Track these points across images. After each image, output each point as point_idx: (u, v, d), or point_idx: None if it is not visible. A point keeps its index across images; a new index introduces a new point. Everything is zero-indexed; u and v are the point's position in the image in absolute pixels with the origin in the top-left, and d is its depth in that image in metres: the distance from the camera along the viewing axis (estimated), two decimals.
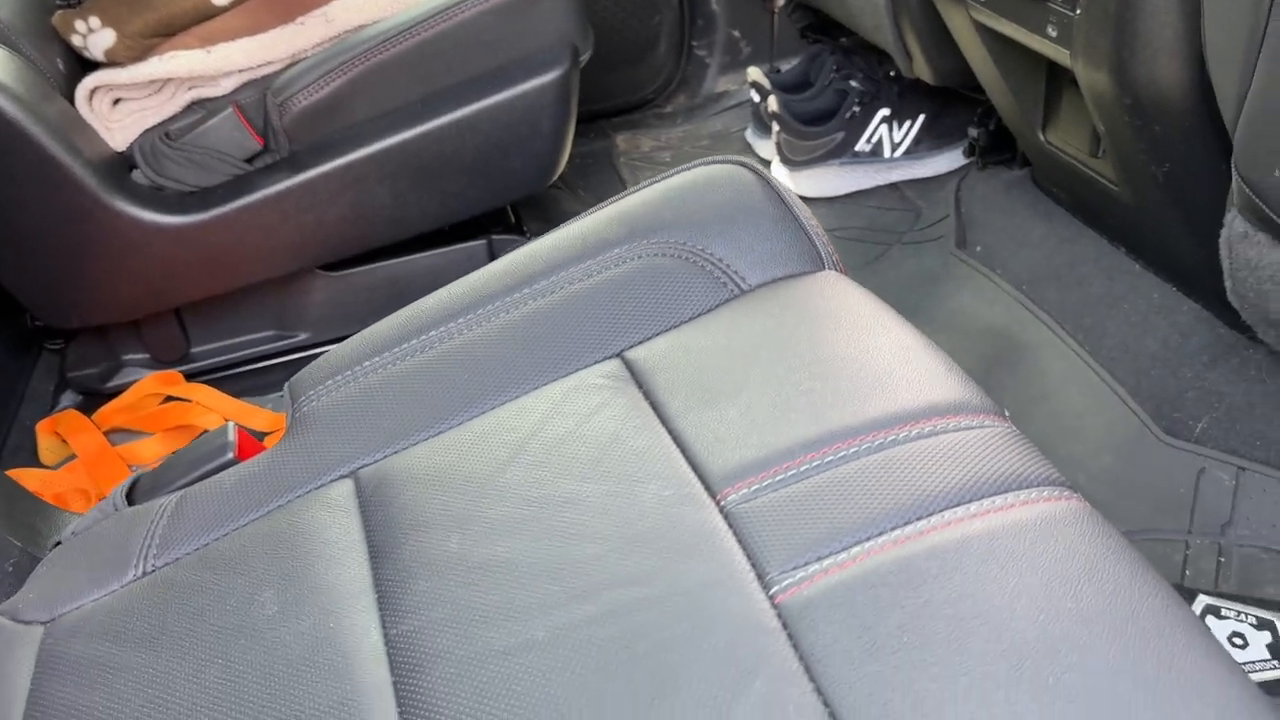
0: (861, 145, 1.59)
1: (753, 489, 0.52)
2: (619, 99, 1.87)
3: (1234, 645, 0.79)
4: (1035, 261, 1.31)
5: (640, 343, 0.64)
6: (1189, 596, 0.84)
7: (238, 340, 1.30)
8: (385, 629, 0.52)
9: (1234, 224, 0.85)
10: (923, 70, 1.36)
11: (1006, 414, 0.58)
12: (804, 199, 1.61)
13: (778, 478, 0.52)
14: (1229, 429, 1.07)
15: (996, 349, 1.24)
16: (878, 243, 1.53)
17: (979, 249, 1.40)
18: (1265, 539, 1.00)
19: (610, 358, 0.64)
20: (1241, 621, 0.80)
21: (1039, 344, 1.22)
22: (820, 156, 1.60)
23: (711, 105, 1.95)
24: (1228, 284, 0.89)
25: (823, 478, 0.52)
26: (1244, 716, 0.39)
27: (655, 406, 0.59)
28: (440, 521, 0.56)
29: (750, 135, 1.77)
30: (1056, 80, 1.17)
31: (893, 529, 0.48)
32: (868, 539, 0.48)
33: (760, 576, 0.48)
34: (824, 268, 0.67)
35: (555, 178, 1.23)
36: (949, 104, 1.56)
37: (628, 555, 0.50)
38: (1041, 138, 1.21)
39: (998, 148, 1.45)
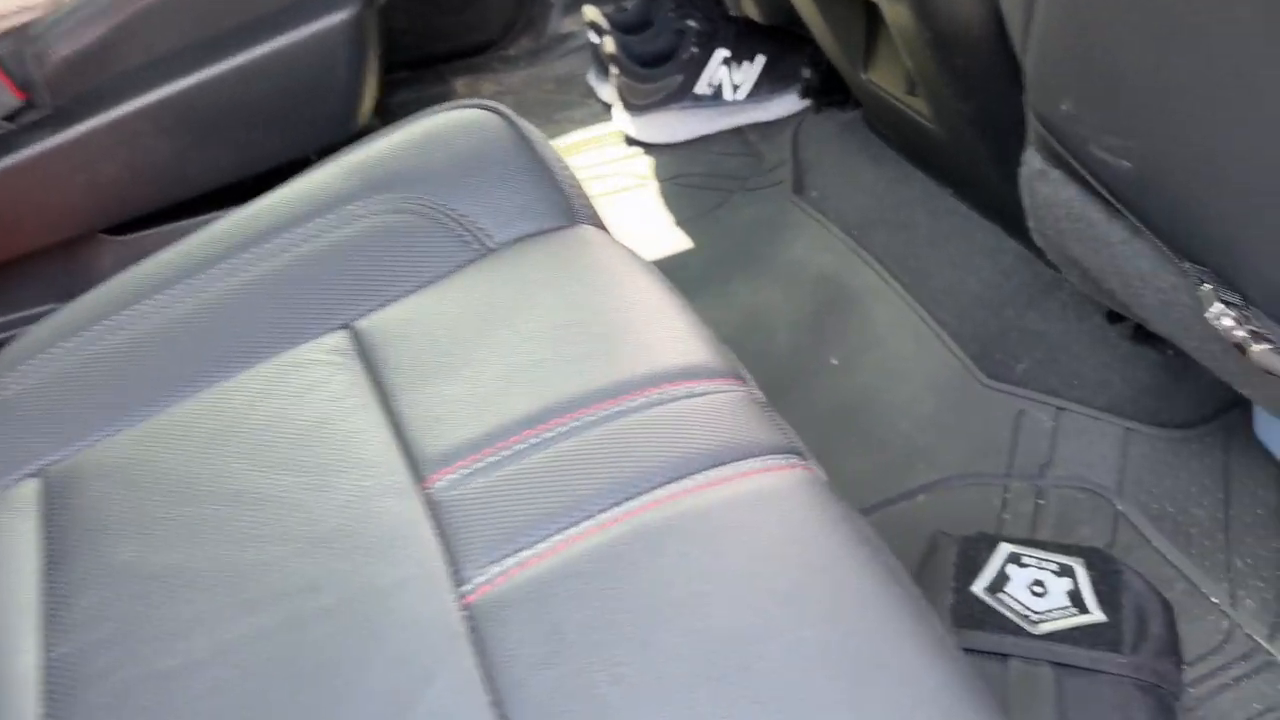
0: (702, 88, 1.54)
1: (462, 474, 0.47)
2: (457, 42, 1.77)
3: (1034, 593, 0.77)
4: (865, 205, 1.28)
5: (371, 311, 0.58)
6: (991, 544, 0.82)
7: (19, 315, 1.19)
8: (47, 650, 0.46)
9: (1031, 161, 0.82)
10: (749, 8, 1.31)
11: (747, 377, 0.54)
12: (647, 145, 1.57)
13: (490, 460, 0.47)
14: (1048, 369, 1.06)
15: (828, 296, 1.21)
16: (719, 189, 1.49)
17: (814, 194, 1.37)
18: (1082, 479, 0.99)
19: (337, 329, 0.58)
20: (1043, 569, 0.79)
21: (867, 290, 1.20)
22: (660, 100, 1.54)
23: (557, 47, 1.87)
24: (1030, 223, 0.87)
25: (538, 458, 0.47)
26: (943, 699, 0.36)
27: (377, 384, 0.53)
28: (123, 525, 0.50)
29: (592, 79, 1.70)
30: (875, 18, 1.13)
31: (600, 511, 0.44)
32: (571, 525, 0.44)
33: (455, 574, 0.43)
34: (577, 222, 0.62)
35: (358, 125, 1.15)
36: (790, 46, 1.51)
37: (310, 558, 0.45)
38: (863, 77, 1.18)
39: (830, 90, 1.42)
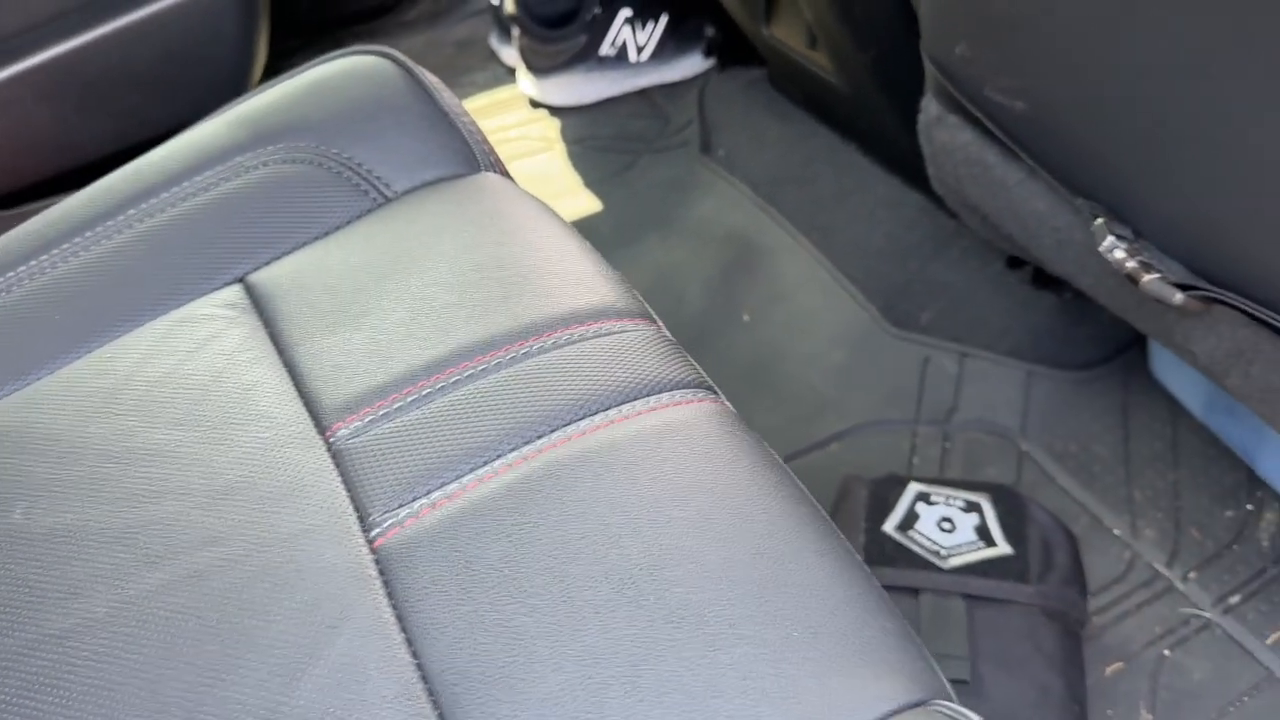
0: (606, 49, 1.53)
1: (366, 420, 0.46)
2: (353, 5, 1.73)
3: (943, 530, 0.79)
4: (771, 163, 1.29)
5: (266, 264, 0.56)
6: (900, 485, 0.84)
7: None
8: None
9: (929, 107, 0.83)
10: None
11: (657, 321, 0.54)
12: (552, 108, 1.55)
13: (396, 406, 0.46)
14: (952, 317, 1.08)
15: (737, 254, 1.22)
16: (627, 152, 1.48)
17: (722, 153, 1.37)
18: (987, 422, 1.02)
19: (230, 284, 0.56)
20: (950, 505, 0.81)
21: (776, 246, 1.21)
22: (565, 62, 1.52)
23: (456, 10, 1.83)
24: (930, 171, 0.88)
25: (445, 401, 0.46)
26: (851, 609, 0.36)
27: (274, 336, 0.52)
28: (10, 489, 0.47)
29: (494, 42, 1.67)
30: None
31: (510, 451, 0.43)
32: (481, 465, 0.43)
33: (362, 519, 0.42)
34: (480, 169, 0.61)
35: (248, 92, 1.11)
36: (693, 4, 1.51)
37: (211, 511, 0.43)
38: (765, 32, 1.18)
39: (734, 48, 1.42)
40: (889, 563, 0.77)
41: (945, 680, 0.36)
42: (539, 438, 0.43)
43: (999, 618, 0.74)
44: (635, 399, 0.46)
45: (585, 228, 1.35)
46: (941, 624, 0.73)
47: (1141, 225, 0.67)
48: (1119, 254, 0.66)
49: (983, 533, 0.79)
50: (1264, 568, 0.89)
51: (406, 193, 0.59)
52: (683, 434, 0.44)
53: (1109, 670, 0.84)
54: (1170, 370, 0.99)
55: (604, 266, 0.55)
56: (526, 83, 1.54)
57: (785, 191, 1.25)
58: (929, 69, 0.80)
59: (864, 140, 1.20)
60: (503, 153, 1.55)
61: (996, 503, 0.81)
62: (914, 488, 0.83)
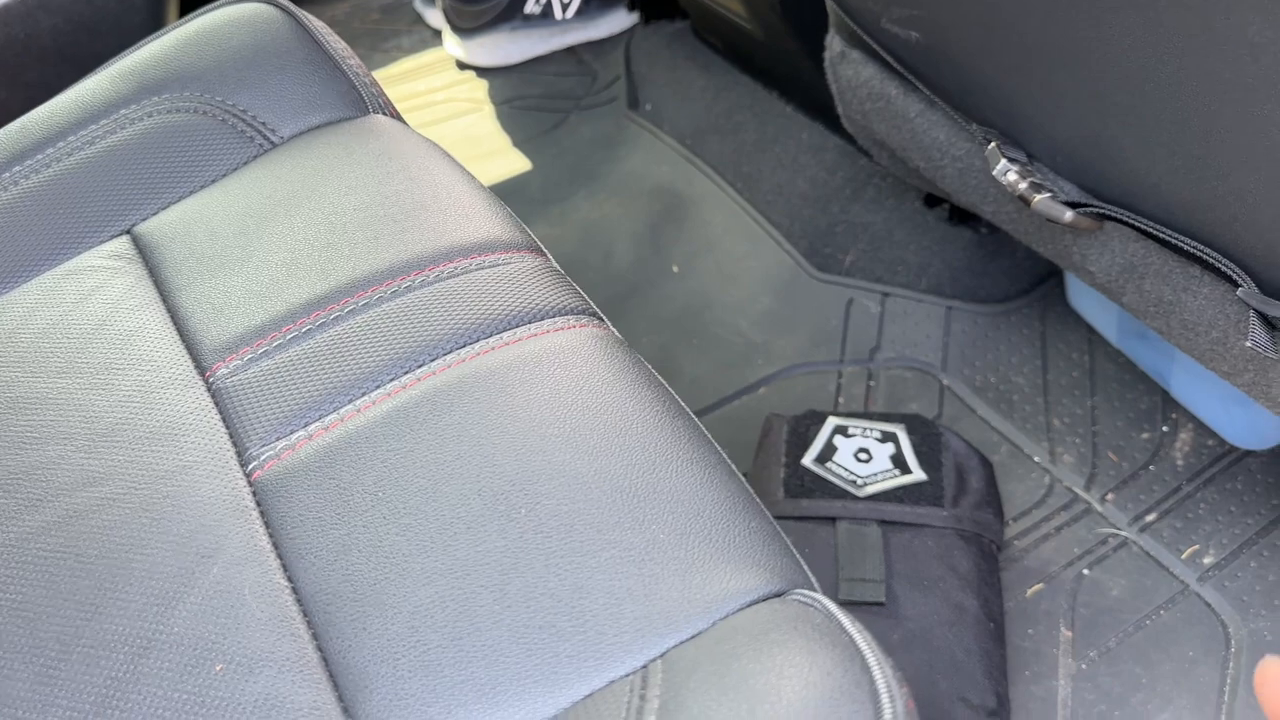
0: (531, 7, 1.52)
1: (246, 359, 0.46)
2: None
3: (860, 460, 0.81)
4: (696, 114, 1.29)
5: (153, 214, 0.56)
6: (819, 420, 0.85)
7: None
8: None
9: (832, 44, 0.84)
10: None
11: (545, 253, 0.54)
12: (480, 70, 1.54)
13: (275, 343, 0.46)
14: (873, 258, 1.10)
15: (664, 206, 1.22)
16: (555, 110, 1.47)
17: (648, 107, 1.37)
18: (909, 359, 1.03)
19: (117, 235, 0.55)
20: (867, 437, 0.82)
21: (702, 196, 1.21)
22: (490, 22, 1.51)
23: None
24: (839, 109, 0.89)
25: (325, 336, 0.46)
26: (720, 513, 0.37)
27: (158, 284, 0.52)
28: None
29: (418, 4, 1.65)
30: None
31: (390, 380, 0.43)
32: (360, 395, 0.43)
33: (240, 454, 0.42)
34: (368, 112, 0.61)
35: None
36: None
37: (93, 453, 0.43)
38: None
39: (657, 1, 1.42)
40: (807, 494, 0.78)
41: (810, 575, 0.37)
42: (419, 366, 0.44)
43: (914, 541, 0.75)
44: (517, 325, 0.46)
45: (515, 187, 1.35)
46: (858, 550, 0.74)
47: (1033, 148, 0.68)
48: (1011, 176, 0.67)
49: (898, 461, 0.80)
50: (1178, 486, 0.91)
51: (293, 137, 0.59)
52: (563, 357, 0.44)
53: (1030, 591, 0.86)
54: (1085, 299, 1.01)
55: (492, 201, 0.55)
56: (452, 44, 1.53)
57: (710, 142, 1.25)
58: (830, 4, 0.80)
59: (784, 87, 1.21)
60: (430, 115, 1.55)
61: (912, 432, 0.82)
62: (832, 421, 0.84)
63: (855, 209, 1.12)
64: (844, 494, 0.78)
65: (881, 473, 0.79)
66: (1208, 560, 0.86)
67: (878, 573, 0.73)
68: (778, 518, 0.79)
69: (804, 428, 0.83)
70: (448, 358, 0.44)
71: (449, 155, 0.59)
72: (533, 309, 0.47)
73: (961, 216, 1.06)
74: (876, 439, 0.82)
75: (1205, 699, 0.78)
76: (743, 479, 0.40)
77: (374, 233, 0.51)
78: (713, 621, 0.33)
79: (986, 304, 1.05)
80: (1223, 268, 0.56)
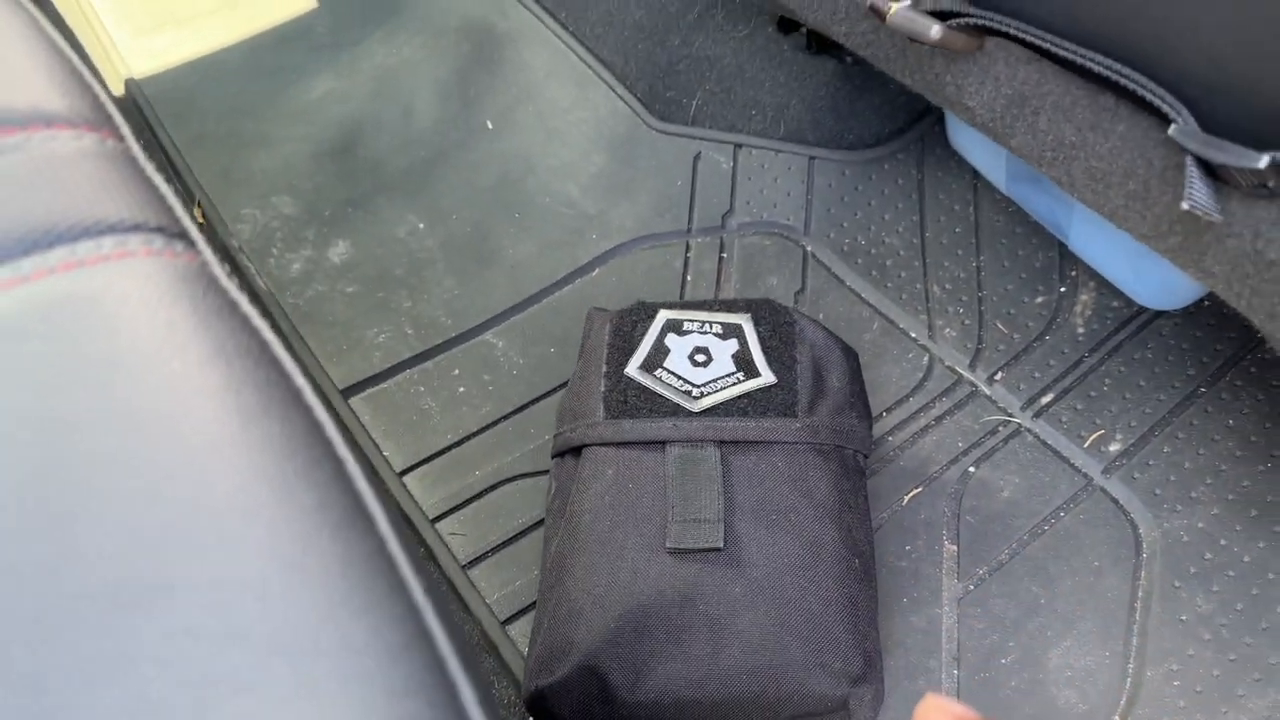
0: None
1: None
2: None
3: (696, 363, 0.64)
4: None
5: None
6: (649, 314, 0.68)
7: None
8: None
9: None
10: None
11: (122, 133, 0.34)
12: None
13: None
14: (723, 102, 0.91)
15: (474, 46, 1.01)
16: None
17: None
18: (765, 224, 0.86)
19: None
20: (705, 334, 0.66)
21: (520, 32, 1.00)
22: None
23: None
24: None
25: None
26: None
27: None
28: None
29: None
30: None
31: None
32: None
33: None
34: None
35: None
36: None
37: None
38: None
39: None
40: (631, 413, 0.62)
41: None
42: None
43: (760, 464, 0.59)
44: (41, 249, 0.27)
45: (298, 30, 1.11)
46: (691, 482, 0.59)
47: None
48: None
49: (742, 362, 0.64)
50: (1079, 358, 0.77)
51: None
52: (105, 311, 0.26)
53: (906, 498, 0.72)
54: (970, 138, 0.84)
55: (56, 52, 0.35)
56: None
57: None
58: None
59: None
60: None
61: (759, 323, 0.65)
62: (663, 316, 0.66)
63: (699, 40, 0.93)
64: (676, 410, 0.61)
65: (722, 378, 0.63)
66: (1114, 448, 0.73)
67: (714, 510, 0.58)
68: (598, 444, 0.62)
69: (629, 325, 0.66)
70: None
71: None
72: (73, 223, 0.28)
73: (822, 44, 0.88)
74: (717, 335, 0.65)
75: (1113, 617, 0.66)
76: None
77: None
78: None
79: (854, 150, 0.88)
80: (1148, 97, 0.39)
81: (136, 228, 0.30)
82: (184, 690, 0.19)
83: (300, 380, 0.27)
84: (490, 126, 0.95)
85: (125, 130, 0.34)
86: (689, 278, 0.85)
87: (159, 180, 0.32)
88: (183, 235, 0.31)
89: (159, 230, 0.30)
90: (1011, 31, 0.45)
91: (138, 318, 0.27)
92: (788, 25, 0.88)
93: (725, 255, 0.85)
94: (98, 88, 0.35)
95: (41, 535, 0.21)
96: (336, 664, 0.20)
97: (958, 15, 0.46)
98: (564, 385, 0.78)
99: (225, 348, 0.27)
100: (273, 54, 1.02)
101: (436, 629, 0.22)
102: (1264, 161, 0.37)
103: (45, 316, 0.27)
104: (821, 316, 0.81)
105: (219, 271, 0.29)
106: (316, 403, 0.26)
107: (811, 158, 0.87)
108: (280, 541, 0.21)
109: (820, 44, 0.87)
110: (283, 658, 0.19)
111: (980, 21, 0.46)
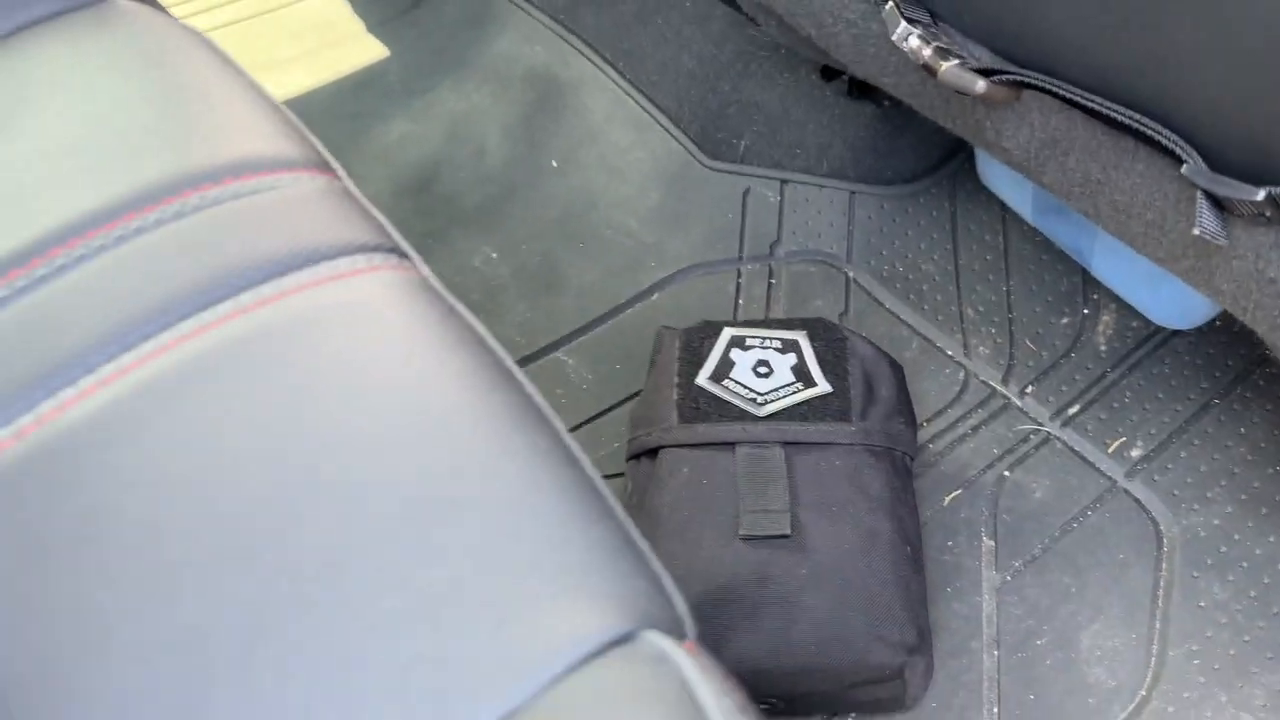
0: None
1: None
2: None
3: (759, 374, 0.72)
4: None
5: None
6: (714, 332, 0.76)
7: None
8: None
9: None
10: None
11: (339, 172, 0.42)
12: None
13: (18, 284, 0.35)
14: (770, 142, 0.99)
15: (539, 93, 1.10)
16: None
17: None
18: (811, 252, 0.94)
19: None
20: (766, 348, 0.74)
21: (580, 80, 1.09)
22: None
23: None
24: None
25: (77, 276, 0.35)
26: (547, 531, 0.28)
27: None
28: None
29: None
30: None
31: (103, 363, 0.32)
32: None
33: None
34: None
35: None
36: None
37: None
38: None
39: None
40: (704, 418, 0.70)
41: (672, 596, 0.28)
42: (143, 340, 0.33)
43: (820, 463, 0.67)
44: (291, 271, 0.36)
45: (371, 77, 1.20)
46: (760, 478, 0.66)
47: (938, 6, 0.58)
48: (914, 41, 0.56)
49: (800, 373, 0.72)
50: (1102, 373, 0.85)
51: (18, 31, 0.46)
52: (349, 315, 0.34)
53: (948, 499, 0.79)
54: (998, 174, 0.92)
55: (275, 107, 0.43)
56: None
57: (586, 16, 1.12)
58: None
59: None
60: (272, 1, 1.36)
61: (814, 339, 0.74)
62: (728, 333, 0.75)
63: (747, 86, 1.01)
64: (743, 415, 0.69)
65: (783, 387, 0.71)
66: (1135, 453, 0.80)
67: (781, 502, 0.65)
68: (674, 446, 0.70)
69: (698, 341, 0.74)
70: (185, 324, 0.33)
71: (217, 48, 0.46)
72: (313, 247, 0.36)
73: (862, 89, 0.96)
74: (776, 349, 0.73)
75: (1138, 604, 0.73)
76: (586, 468, 0.30)
77: (99, 157, 0.39)
78: (531, 693, 0.24)
79: (892, 185, 0.96)
80: (1163, 141, 0.47)
81: (360, 249, 0.38)
82: (480, 575, 0.27)
83: (510, 363, 0.35)
84: (555, 165, 1.04)
85: (340, 170, 0.42)
86: (741, 301, 0.93)
87: (375, 210, 0.40)
88: (399, 251, 0.39)
89: (378, 249, 0.38)
90: (1045, 85, 0.53)
91: (376, 319, 0.35)
92: (830, 73, 0.97)
93: (774, 281, 0.93)
94: (312, 136, 0.43)
95: (339, 478, 0.29)
96: (584, 556, 0.27)
97: (999, 72, 0.54)
98: (631, 398, 0.86)
99: (451, 338, 0.35)
100: (352, 99, 1.11)
101: (635, 536, 0.29)
102: (1261, 194, 0.45)
103: (290, 326, 0.35)
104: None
105: (436, 281, 0.37)
106: (525, 379, 0.34)
107: (852, 192, 0.95)
108: (536, 473, 0.29)
109: (860, 90, 0.96)
110: (547, 547, 0.27)
111: (1018, 77, 0.54)
